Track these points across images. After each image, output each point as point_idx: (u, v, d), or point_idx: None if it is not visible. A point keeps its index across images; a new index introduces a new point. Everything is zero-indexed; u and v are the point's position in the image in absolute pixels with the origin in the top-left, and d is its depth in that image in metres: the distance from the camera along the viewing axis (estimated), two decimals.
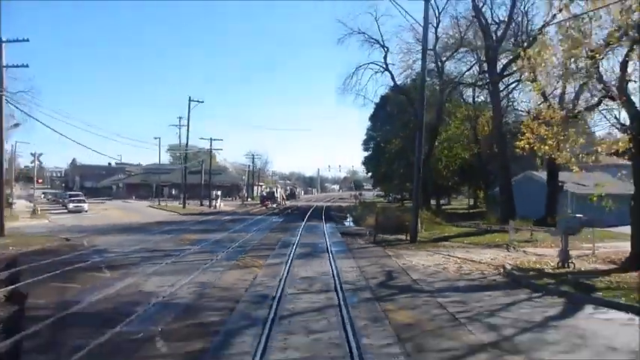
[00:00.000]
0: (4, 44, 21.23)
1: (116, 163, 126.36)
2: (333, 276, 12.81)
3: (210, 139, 64.29)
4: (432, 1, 32.90)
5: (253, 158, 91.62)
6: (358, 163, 64.74)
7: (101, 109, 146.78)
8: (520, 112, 32.30)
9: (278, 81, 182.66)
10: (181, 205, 57.79)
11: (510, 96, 36.31)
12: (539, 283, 11.79)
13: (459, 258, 16.41)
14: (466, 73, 37.75)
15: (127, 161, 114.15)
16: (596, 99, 16.93)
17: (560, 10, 19.97)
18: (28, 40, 21.39)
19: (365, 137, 56.88)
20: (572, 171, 20.24)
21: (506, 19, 29.40)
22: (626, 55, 15.30)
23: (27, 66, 22.40)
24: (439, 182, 44.49)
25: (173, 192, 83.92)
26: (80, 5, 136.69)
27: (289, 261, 15.50)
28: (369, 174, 66.73)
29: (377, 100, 45.09)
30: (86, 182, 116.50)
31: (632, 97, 15.99)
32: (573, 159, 17.33)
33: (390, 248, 19.24)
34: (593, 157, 17.62)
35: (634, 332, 7.94)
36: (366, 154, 58.11)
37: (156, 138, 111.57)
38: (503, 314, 9.09)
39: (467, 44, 35.20)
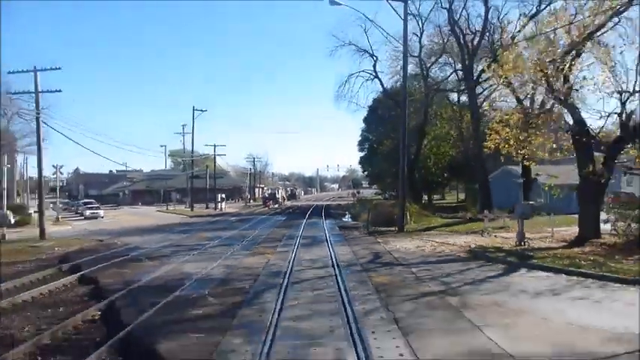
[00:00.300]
0: (39, 73, 24.35)
1: (117, 171, 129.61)
2: (331, 257, 15.95)
3: (214, 145, 67.66)
4: (417, 12, 36.09)
5: (254, 161, 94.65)
6: (356, 162, 68.07)
7: (100, 109, 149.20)
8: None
9: (277, 81, 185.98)
10: (188, 209, 60.99)
11: (491, 97, 39.43)
12: (492, 256, 14.97)
13: (436, 242, 19.58)
14: (450, 78, 40.88)
15: (128, 168, 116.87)
16: (549, 105, 20.10)
17: (522, 27, 23.41)
18: (60, 69, 24.58)
19: (360, 138, 60.15)
20: (535, 164, 23.54)
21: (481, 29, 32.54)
22: (569, 69, 18.46)
23: (60, 91, 25.55)
24: (430, 178, 47.66)
25: (177, 197, 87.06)
26: (79, 5, 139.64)
27: (295, 249, 18.64)
28: (365, 173, 69.94)
29: (369, 105, 48.48)
30: (90, 190, 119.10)
31: (577, 104, 19.24)
32: (539, 153, 20.50)
33: (380, 237, 22.39)
34: (558, 153, 20.91)
35: (544, 281, 11.13)
36: (362, 154, 61.38)
37: (162, 146, 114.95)
38: (455, 276, 12.26)
39: (449, 50, 38.34)
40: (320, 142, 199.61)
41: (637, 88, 17.17)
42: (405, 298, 9.87)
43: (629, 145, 18.47)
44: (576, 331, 7.45)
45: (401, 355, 6.55)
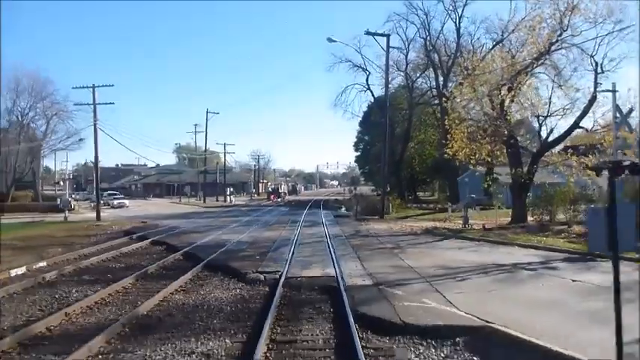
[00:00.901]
0: (97, 89, 30.57)
1: (122, 165, 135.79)
2: (325, 233, 22.14)
3: (224, 144, 73.86)
4: (404, 33, 42.05)
5: (258, 159, 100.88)
6: (354, 160, 74.06)
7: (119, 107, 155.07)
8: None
9: (279, 85, 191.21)
10: (200, 202, 67.24)
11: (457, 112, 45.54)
12: (438, 232, 21.22)
13: (405, 225, 25.82)
14: (432, 89, 46.98)
15: (138, 163, 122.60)
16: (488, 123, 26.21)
17: (477, 64, 29.61)
18: (112, 85, 30.77)
19: (355, 140, 66.33)
20: (487, 167, 29.81)
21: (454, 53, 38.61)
22: (504, 97, 24.62)
23: (113, 103, 31.75)
24: (415, 177, 53.78)
25: (188, 190, 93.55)
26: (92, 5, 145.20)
27: (299, 228, 24.84)
28: (361, 171, 76.15)
29: (363, 112, 54.81)
30: (100, 183, 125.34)
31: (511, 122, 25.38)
32: (487, 158, 26.51)
33: (364, 222, 28.61)
34: (501, 159, 27.14)
35: (459, 244, 17.36)
36: (357, 154, 67.61)
37: (176, 144, 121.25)
38: (404, 241, 18.48)
39: (430, 67, 44.41)
40: (320, 139, 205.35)
41: (550, 113, 23.47)
42: (367, 250, 16.11)
43: (548, 153, 24.78)
44: (455, 261, 13.63)
45: (356, 267, 12.77)
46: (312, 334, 7.41)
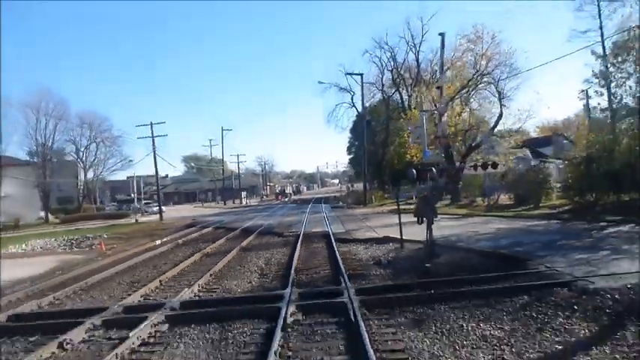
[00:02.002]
0: (154, 125, 41.42)
1: (127, 177, 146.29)
2: (324, 215, 33.00)
3: (237, 155, 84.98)
4: (379, 61, 52.70)
5: (265, 165, 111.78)
6: None
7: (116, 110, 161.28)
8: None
9: (279, 83, 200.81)
10: (220, 204, 78.13)
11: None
12: (395, 211, 32.05)
13: (379, 209, 36.65)
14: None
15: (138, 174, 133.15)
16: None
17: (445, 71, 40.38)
18: (164, 122, 41.57)
19: (348, 145, 77.26)
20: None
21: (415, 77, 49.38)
22: (440, 116, 35.45)
23: (166, 135, 42.55)
24: (398, 175, 64.61)
25: (203, 196, 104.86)
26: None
27: (306, 215, 35.68)
28: (354, 171, 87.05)
29: (352, 122, 65.53)
30: (118, 195, 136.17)
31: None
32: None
33: (352, 209, 39.50)
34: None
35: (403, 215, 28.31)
36: (350, 156, 78.51)
37: (183, 156, 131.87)
38: (372, 216, 29.36)
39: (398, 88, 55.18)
40: (320, 139, 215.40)
41: (469, 127, 34.34)
42: (347, 220, 27.08)
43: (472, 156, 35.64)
44: (392, 222, 24.44)
45: (339, 227, 23.68)
46: (317, 246, 18.27)
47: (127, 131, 73.37)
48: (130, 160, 58.86)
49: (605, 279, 8.84)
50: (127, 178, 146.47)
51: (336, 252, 15.13)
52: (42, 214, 56.57)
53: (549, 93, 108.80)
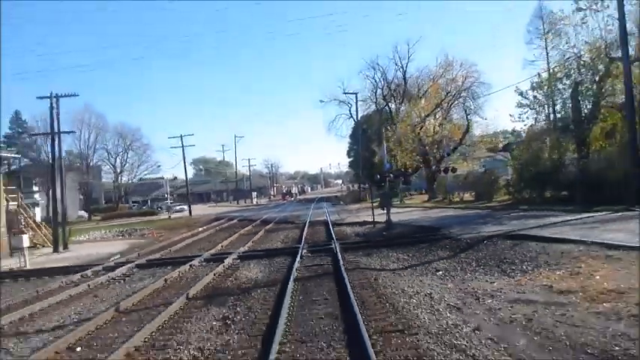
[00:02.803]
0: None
1: (139, 179, 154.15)
2: (325, 210, 40.58)
3: (249, 159, 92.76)
4: (372, 77, 60.22)
5: (272, 167, 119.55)
6: None
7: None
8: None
9: (283, 84, 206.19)
10: (233, 204, 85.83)
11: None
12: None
13: (369, 205, 44.16)
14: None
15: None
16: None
17: (428, 89, 47.98)
18: (193, 135, 49.10)
19: (348, 149, 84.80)
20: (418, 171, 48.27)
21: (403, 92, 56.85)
22: (420, 129, 42.98)
23: (194, 145, 50.21)
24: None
25: (214, 197, 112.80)
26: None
27: (311, 210, 43.24)
28: (354, 173, 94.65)
29: (351, 128, 73.08)
30: (132, 197, 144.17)
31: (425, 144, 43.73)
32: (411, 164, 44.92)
33: (348, 205, 47.04)
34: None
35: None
36: (350, 159, 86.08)
37: (193, 159, 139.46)
38: (363, 210, 36.90)
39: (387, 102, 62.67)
40: (324, 140, 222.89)
41: (441, 139, 41.84)
42: (343, 212, 34.74)
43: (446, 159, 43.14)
44: (376, 213, 31.97)
45: (336, 216, 31.27)
46: (318, 228, 25.86)
47: (143, 134, 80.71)
48: (159, 166, 66.42)
49: (471, 235, 16.36)
50: (141, 180, 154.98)
51: (331, 230, 22.72)
52: (80, 212, 64.50)
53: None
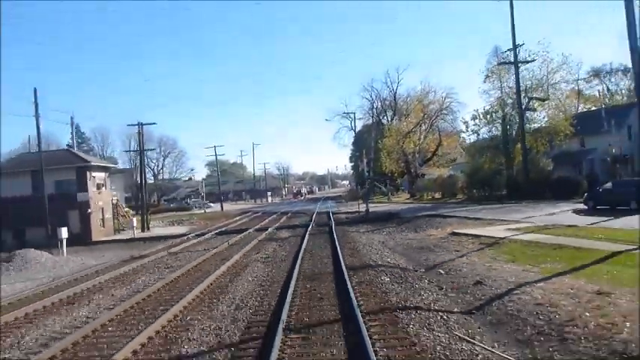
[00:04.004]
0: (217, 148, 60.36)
1: (162, 180, 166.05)
2: (329, 205, 51.52)
3: (264, 164, 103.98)
4: (369, 96, 71.12)
5: (283, 169, 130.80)
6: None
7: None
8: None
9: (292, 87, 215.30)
10: (251, 202, 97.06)
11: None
12: (372, 201, 50.61)
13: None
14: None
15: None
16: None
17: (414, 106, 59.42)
18: (223, 146, 60.15)
19: (350, 154, 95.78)
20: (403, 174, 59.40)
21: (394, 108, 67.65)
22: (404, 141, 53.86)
23: (223, 154, 61.58)
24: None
25: (231, 196, 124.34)
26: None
27: (318, 206, 54.16)
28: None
29: (354, 136, 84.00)
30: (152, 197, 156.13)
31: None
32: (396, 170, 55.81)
33: (348, 202, 57.92)
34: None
35: (374, 203, 46.91)
36: (352, 164, 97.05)
37: (208, 162, 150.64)
38: (355, 204, 47.84)
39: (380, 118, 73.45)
40: (331, 144, 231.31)
41: (420, 149, 52.70)
42: (342, 206, 45.65)
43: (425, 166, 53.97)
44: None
45: (335, 209, 42.25)
46: (323, 215, 36.86)
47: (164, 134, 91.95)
48: (192, 169, 77.95)
49: (411, 216, 27.22)
50: (162, 180, 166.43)
51: (331, 216, 33.69)
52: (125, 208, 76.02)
53: None
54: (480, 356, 6.16)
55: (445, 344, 6.60)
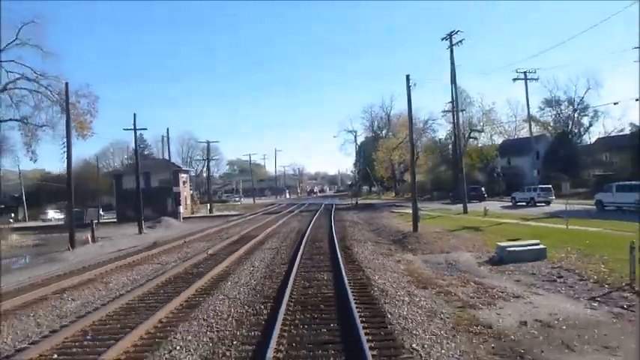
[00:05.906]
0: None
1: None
2: (333, 203, 67.91)
3: (284, 167, 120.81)
4: (369, 115, 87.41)
5: (299, 170, 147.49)
6: None
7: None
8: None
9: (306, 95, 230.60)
10: (272, 198, 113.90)
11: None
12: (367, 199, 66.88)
13: (358, 197, 71.47)
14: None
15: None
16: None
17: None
18: (256, 153, 77.00)
19: (355, 161, 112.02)
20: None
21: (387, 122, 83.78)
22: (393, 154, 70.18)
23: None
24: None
25: (251, 192, 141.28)
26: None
27: (324, 202, 70.47)
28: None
29: (358, 146, 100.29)
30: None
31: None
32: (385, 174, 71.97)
33: (351, 198, 74.30)
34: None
35: (368, 200, 63.24)
36: (356, 170, 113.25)
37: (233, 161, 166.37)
38: (349, 201, 64.25)
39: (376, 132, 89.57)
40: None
41: (403, 159, 69.02)
42: (344, 200, 62.08)
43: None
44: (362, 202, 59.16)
45: (338, 203, 58.78)
46: (328, 207, 53.34)
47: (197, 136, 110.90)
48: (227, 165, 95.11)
49: (382, 206, 43.63)
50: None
51: (333, 207, 50.23)
52: None
53: None
54: (364, 231, 22.74)
55: (359, 233, 23.20)
